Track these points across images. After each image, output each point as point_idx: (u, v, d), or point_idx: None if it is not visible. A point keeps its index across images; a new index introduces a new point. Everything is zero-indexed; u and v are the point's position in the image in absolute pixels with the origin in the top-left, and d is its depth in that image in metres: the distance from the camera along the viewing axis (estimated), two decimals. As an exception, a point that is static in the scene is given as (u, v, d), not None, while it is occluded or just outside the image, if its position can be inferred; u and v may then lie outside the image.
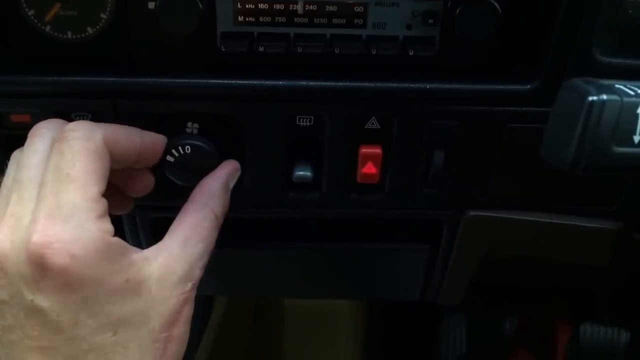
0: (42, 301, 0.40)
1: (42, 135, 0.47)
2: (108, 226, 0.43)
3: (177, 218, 0.51)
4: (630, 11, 0.55)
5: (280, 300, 1.28)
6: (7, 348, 0.42)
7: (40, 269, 0.40)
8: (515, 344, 1.05)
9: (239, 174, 0.57)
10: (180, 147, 0.55)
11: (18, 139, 0.52)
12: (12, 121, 0.56)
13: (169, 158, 0.55)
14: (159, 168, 0.55)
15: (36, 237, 0.40)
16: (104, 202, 0.44)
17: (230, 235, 0.58)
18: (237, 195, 0.60)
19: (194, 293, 0.48)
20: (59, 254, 0.40)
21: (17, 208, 0.43)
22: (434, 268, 0.70)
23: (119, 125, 0.49)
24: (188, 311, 0.47)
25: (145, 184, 0.54)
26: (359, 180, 0.60)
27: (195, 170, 0.55)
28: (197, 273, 0.48)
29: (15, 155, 0.48)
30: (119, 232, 0.50)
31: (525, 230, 0.64)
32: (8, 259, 0.41)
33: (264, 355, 1.25)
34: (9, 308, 0.41)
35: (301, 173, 0.59)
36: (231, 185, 0.56)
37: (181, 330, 0.46)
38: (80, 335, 0.41)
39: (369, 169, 0.59)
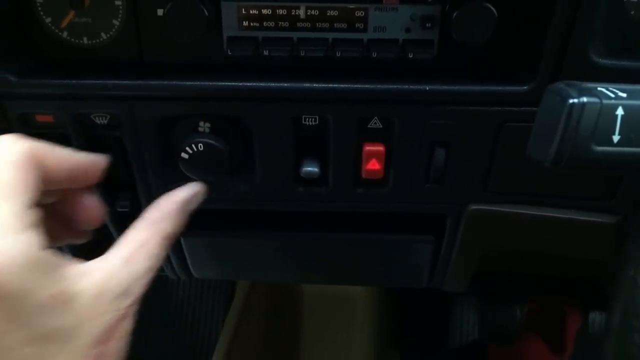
0: None
1: None
2: (36, 238, 0.42)
3: (125, 233, 0.50)
4: (632, 12, 0.55)
5: (298, 285, 1.31)
6: None
7: None
8: (525, 330, 1.06)
9: (203, 197, 0.59)
10: (193, 145, 0.57)
11: (43, 137, 0.55)
12: (38, 121, 0.59)
13: (184, 155, 0.58)
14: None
15: None
16: (33, 214, 0.43)
17: (251, 224, 0.60)
18: (249, 189, 0.63)
19: (133, 308, 0.47)
20: None
21: None
22: (439, 258, 0.72)
23: (49, 143, 0.48)
24: (125, 326, 0.46)
25: (94, 213, 0.53)
26: (363, 175, 0.61)
27: (208, 166, 0.58)
28: (138, 290, 0.47)
29: None
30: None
31: (526, 224, 0.65)
32: None
33: (283, 337, 1.28)
34: None
35: (308, 169, 0.61)
36: (191, 207, 0.56)
37: (116, 345, 0.46)
38: (8, 345, 0.41)
39: (373, 165, 0.61)
